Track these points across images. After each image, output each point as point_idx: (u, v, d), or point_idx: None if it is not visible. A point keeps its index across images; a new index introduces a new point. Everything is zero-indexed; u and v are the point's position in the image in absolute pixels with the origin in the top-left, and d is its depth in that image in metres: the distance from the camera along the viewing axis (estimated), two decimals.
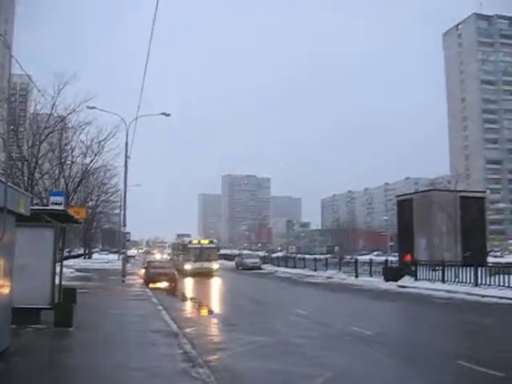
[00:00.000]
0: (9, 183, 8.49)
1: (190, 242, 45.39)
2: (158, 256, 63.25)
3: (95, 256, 74.50)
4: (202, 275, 39.32)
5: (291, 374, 8.97)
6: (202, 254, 43.20)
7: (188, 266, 42.16)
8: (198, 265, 42.01)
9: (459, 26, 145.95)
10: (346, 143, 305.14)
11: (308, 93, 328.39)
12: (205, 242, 46.64)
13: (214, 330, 14.99)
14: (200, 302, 22.93)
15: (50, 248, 12.62)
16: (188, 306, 21.14)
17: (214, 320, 16.85)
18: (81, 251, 75.78)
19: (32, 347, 10.38)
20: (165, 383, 7.95)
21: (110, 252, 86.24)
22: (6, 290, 9.20)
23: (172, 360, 9.52)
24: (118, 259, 54.62)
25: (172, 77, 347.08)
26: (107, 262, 54.20)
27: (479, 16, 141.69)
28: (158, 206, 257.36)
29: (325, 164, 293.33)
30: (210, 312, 18.97)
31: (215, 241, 49.28)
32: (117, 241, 79.56)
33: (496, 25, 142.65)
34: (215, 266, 43.37)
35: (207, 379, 8.06)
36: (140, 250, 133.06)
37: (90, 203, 56.62)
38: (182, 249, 47.42)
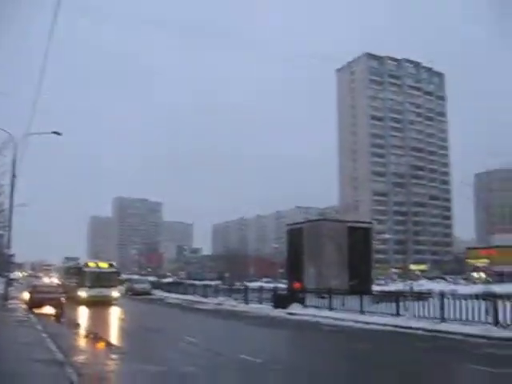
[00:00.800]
0: None
1: (86, 265, 39.60)
2: (46, 280, 60.28)
3: None
4: (100, 304, 34.63)
5: None
6: (100, 279, 37.56)
7: (83, 293, 36.77)
8: (94, 292, 36.51)
9: (352, 64, 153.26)
10: (238, 169, 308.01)
11: (200, 118, 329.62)
12: (103, 265, 40.54)
13: (102, 358, 14.57)
14: (88, 329, 22.27)
15: None
16: (75, 334, 20.43)
17: (103, 348, 16.48)
18: None
19: None
20: None
21: None
22: None
23: None
24: (0, 282, 51.90)
25: (67, 95, 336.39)
26: None
27: (370, 56, 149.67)
28: (46, 227, 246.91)
29: (217, 190, 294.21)
30: (99, 340, 18.48)
31: (115, 264, 43.42)
32: None
33: (385, 65, 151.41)
34: (115, 293, 37.95)
35: None
36: (24, 273, 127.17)
37: None
38: (76, 273, 40.92)
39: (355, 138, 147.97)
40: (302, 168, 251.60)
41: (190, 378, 11.45)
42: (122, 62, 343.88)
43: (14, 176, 33.56)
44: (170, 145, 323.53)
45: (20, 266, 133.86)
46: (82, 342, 18.15)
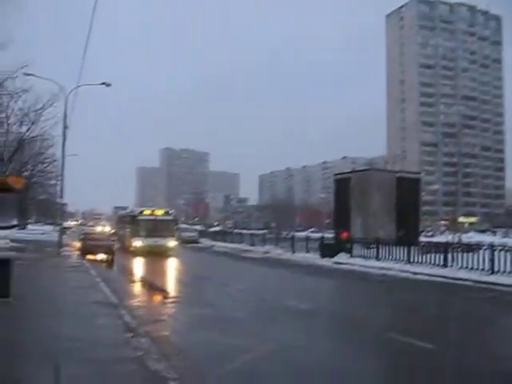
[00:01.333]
0: None
1: (141, 213, 36.79)
2: (98, 228, 61.44)
3: (30, 227, 72.75)
4: (155, 254, 32.53)
5: (230, 346, 9.16)
6: (156, 227, 35.07)
7: (137, 243, 34.63)
8: (150, 241, 34.23)
9: (402, 9, 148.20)
10: (284, 120, 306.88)
11: (248, 71, 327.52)
12: (159, 212, 37.63)
13: (153, 302, 15.11)
14: (139, 274, 22.97)
15: None
16: (126, 279, 21.09)
17: (153, 293, 16.98)
18: (15, 222, 73.59)
19: None
20: (106, 353, 7.96)
21: (46, 223, 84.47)
22: None
23: (112, 330, 9.60)
24: (54, 230, 53.58)
25: (114, 46, 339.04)
26: (43, 234, 53.14)
27: (421, 0, 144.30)
28: (96, 177, 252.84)
29: (263, 141, 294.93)
30: (149, 285, 19.07)
31: (172, 212, 39.96)
32: (52, 212, 77.80)
33: (437, 9, 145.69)
34: (172, 243, 35.41)
35: (148, 349, 8.18)
36: (76, 222, 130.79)
37: (26, 173, 55.15)
38: (130, 221, 38.03)
39: (404, 87, 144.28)
40: (349, 118, 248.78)
41: (239, 321, 11.75)
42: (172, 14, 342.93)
43: (65, 127, 34.21)
44: (217, 96, 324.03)
45: (72, 215, 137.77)
46: (132, 287, 18.76)
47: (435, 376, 7.67)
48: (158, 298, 15.79)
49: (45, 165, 57.86)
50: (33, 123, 41.89)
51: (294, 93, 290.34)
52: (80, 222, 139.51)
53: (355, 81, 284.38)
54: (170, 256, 33.03)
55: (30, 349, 8.27)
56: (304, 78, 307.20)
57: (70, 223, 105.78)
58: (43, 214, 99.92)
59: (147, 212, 37.15)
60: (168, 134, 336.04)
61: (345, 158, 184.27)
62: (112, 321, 10.52)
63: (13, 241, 36.06)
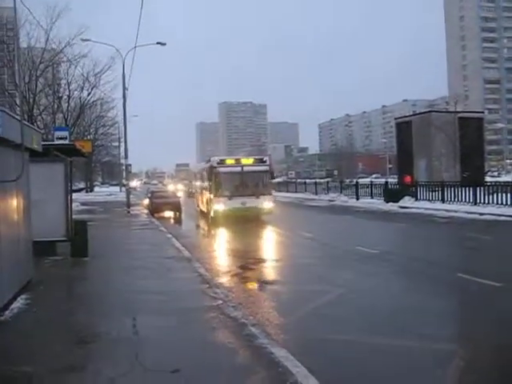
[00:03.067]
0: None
1: (222, 163, 25.19)
2: (170, 187, 61.14)
3: (97, 189, 74.88)
4: (244, 220, 23.43)
5: (303, 292, 9.46)
6: (244, 182, 24.58)
7: (219, 207, 24.08)
8: (236, 203, 23.76)
9: None
10: (341, 65, 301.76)
11: (298, 15, 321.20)
12: (248, 161, 25.80)
13: (224, 254, 15.51)
14: (206, 228, 23.50)
15: (61, 182, 12.76)
16: (195, 233, 21.67)
17: (223, 245, 17.49)
18: (81, 185, 75.85)
19: (54, 277, 10.81)
20: (186, 303, 8.31)
21: (111, 185, 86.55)
22: (26, 225, 9.43)
23: (189, 282, 9.99)
24: (120, 191, 54.99)
25: (164, 4, 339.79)
26: (110, 195, 54.51)
27: None
28: (156, 136, 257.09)
29: (321, 88, 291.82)
30: (218, 238, 19.59)
31: (266, 158, 26.44)
32: (117, 173, 79.78)
33: None
34: (267, 203, 24.63)
35: (225, 298, 8.51)
36: (140, 181, 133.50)
37: (89, 137, 56.61)
38: (207, 176, 26.39)
39: (463, 24, 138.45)
40: (407, 59, 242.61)
41: (312, 268, 12.06)
42: None
43: (124, 89, 34.78)
44: (272, 45, 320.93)
45: (136, 175, 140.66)
46: (202, 241, 19.32)
47: (504, 312, 7.77)
48: (228, 250, 16.23)
49: (106, 127, 59.36)
50: (93, 87, 42.91)
51: (349, 35, 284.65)
52: (144, 181, 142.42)
53: (412, 18, 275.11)
54: (262, 222, 24.22)
55: (114, 302, 8.76)
56: (359, 22, 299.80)
57: (135, 183, 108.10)
58: (108, 176, 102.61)
59: (230, 161, 25.77)
60: (225, 88, 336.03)
61: (405, 101, 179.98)
62: (187, 274, 10.93)
63: (83, 204, 37.68)
